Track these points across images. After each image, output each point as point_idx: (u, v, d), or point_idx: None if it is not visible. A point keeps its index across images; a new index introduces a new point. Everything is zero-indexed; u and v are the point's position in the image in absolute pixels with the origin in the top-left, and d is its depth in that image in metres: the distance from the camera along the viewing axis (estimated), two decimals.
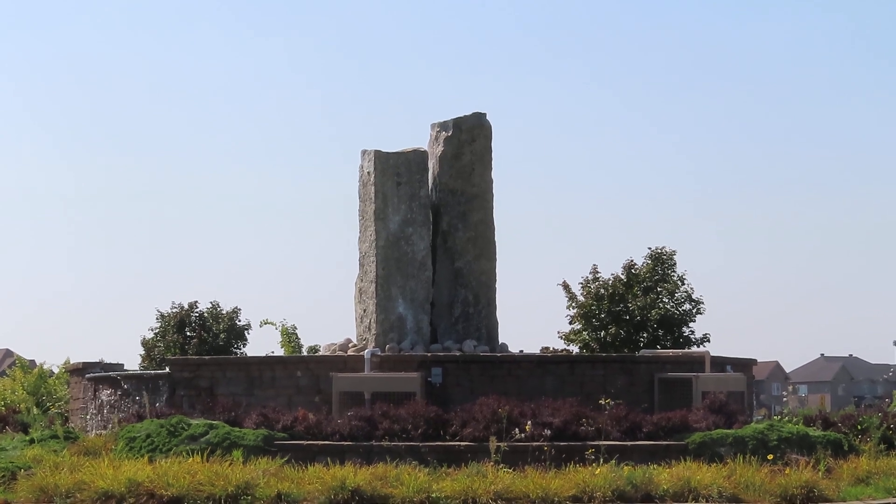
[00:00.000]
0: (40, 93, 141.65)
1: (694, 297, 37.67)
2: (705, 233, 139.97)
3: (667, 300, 37.32)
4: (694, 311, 37.67)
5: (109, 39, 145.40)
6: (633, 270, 37.39)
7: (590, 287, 38.04)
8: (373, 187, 23.04)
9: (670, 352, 27.48)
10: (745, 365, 24.04)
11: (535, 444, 17.76)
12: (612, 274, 38.13)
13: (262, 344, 53.85)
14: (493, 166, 24.04)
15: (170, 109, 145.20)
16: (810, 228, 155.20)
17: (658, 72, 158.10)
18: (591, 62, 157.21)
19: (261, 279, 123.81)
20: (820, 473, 16.73)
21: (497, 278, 24.24)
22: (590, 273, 38.52)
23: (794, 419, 20.87)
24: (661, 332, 35.88)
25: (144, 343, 46.11)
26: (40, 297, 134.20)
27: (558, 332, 38.28)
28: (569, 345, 35.84)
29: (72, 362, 27.76)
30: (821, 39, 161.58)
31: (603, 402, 19.14)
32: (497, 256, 24.22)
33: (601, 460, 16.84)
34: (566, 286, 38.65)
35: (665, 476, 16.22)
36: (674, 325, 36.29)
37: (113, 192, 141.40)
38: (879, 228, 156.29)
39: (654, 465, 16.75)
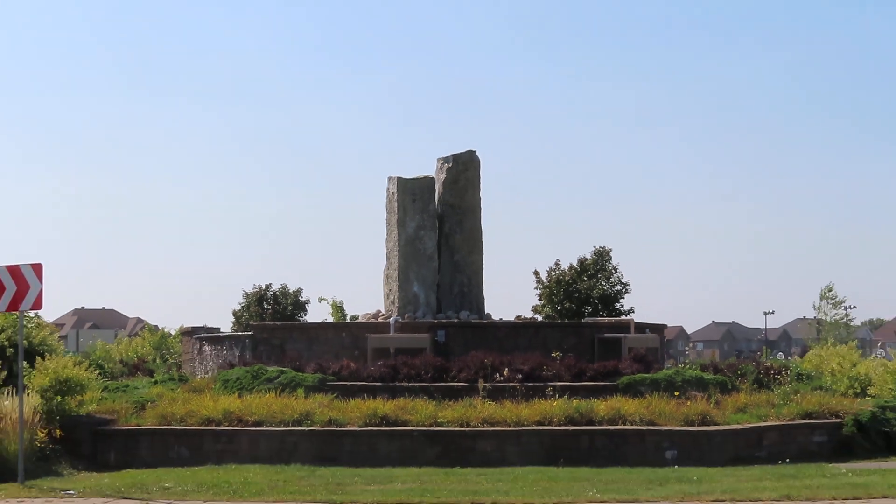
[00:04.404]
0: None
1: (623, 281, 39.99)
2: (633, 235, 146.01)
3: (604, 283, 39.67)
4: (623, 291, 39.75)
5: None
6: (583, 264, 40.64)
7: (552, 274, 40.21)
8: (396, 203, 24.08)
9: (606, 319, 28.50)
10: (658, 329, 24.80)
11: (510, 384, 18.42)
12: (569, 265, 41.17)
13: (317, 314, 56.27)
14: (480, 187, 25.04)
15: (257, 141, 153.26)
16: (703, 232, 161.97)
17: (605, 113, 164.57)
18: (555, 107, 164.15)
19: (317, 268, 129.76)
20: (711, 405, 17.73)
21: (484, 267, 25.19)
22: (553, 265, 40.63)
23: (693, 367, 21.72)
24: (600, 306, 37.57)
25: (235, 313, 47.90)
26: (163, 279, 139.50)
27: (531, 307, 40.78)
28: (536, 315, 37.84)
29: (184, 326, 28.48)
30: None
31: (557, 355, 19.91)
32: (484, 252, 25.15)
33: (557, 396, 17.52)
34: (536, 273, 40.68)
35: (602, 407, 16.95)
36: (609, 301, 38.43)
37: (214, 207, 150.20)
38: (754, 229, 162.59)
39: (595, 399, 17.35)
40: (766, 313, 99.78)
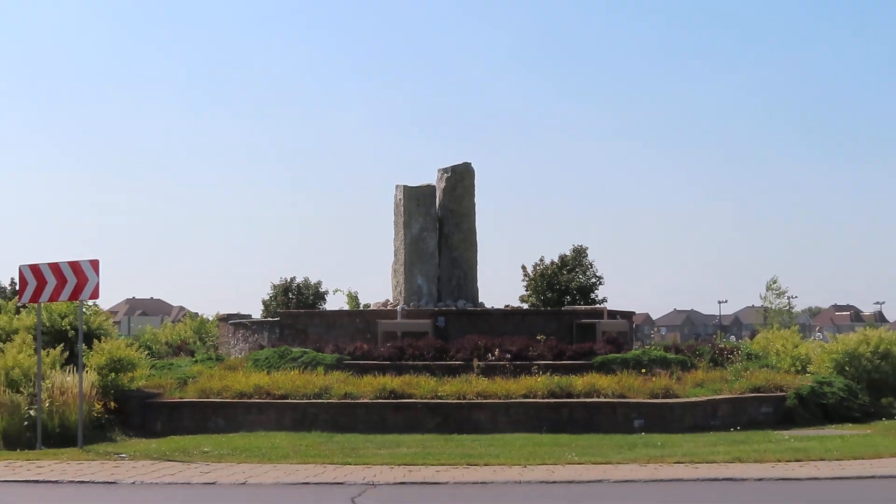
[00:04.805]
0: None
1: (598, 274, 39.97)
2: (607, 235, 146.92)
3: (582, 277, 39.68)
4: (598, 283, 39.63)
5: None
6: (563, 259, 40.73)
7: (537, 269, 40.15)
8: (402, 207, 24.00)
9: (583, 307, 28.08)
10: (627, 315, 24.51)
11: (500, 363, 18.40)
12: (551, 261, 41.22)
13: (335, 302, 56.33)
14: (475, 194, 24.84)
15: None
16: (667, 233, 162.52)
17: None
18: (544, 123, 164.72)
19: (335, 263, 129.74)
20: (673, 380, 17.74)
21: (478, 263, 24.96)
22: (538, 260, 40.58)
23: (658, 348, 21.47)
24: (578, 296, 37.47)
25: (264, 302, 47.60)
26: (203, 273, 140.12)
27: (519, 296, 40.87)
28: (523, 303, 37.69)
29: (220, 313, 28.22)
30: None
31: (541, 338, 19.88)
32: (478, 249, 24.93)
33: (541, 373, 17.62)
34: (523, 268, 40.52)
35: (579, 382, 17.01)
36: (586, 292, 38.28)
37: (247, 210, 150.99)
38: (710, 229, 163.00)
39: (573, 376, 17.38)
40: (720, 302, 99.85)
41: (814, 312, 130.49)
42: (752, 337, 36.07)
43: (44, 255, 47.15)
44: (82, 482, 11.40)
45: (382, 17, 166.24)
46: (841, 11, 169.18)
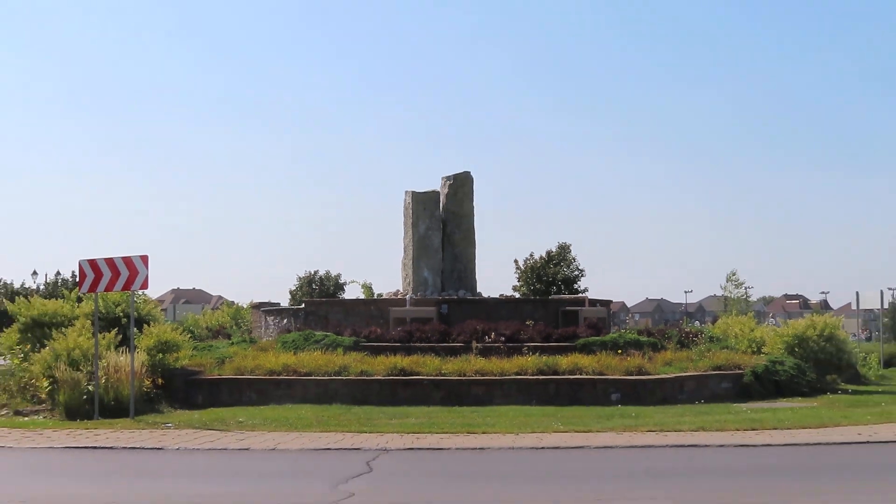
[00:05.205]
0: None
1: (580, 268, 39.60)
2: (588, 233, 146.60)
3: (566, 269, 39.41)
4: (580, 275, 39.11)
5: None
6: (550, 255, 40.60)
7: (527, 263, 39.82)
8: (411, 210, 23.86)
9: (567, 296, 28.15)
10: (605, 303, 24.44)
11: (496, 345, 18.48)
12: (540, 255, 41.04)
13: (353, 292, 56.39)
14: (474, 198, 24.68)
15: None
16: (641, 232, 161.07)
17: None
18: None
19: (352, 257, 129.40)
20: (646, 360, 17.63)
21: (476, 257, 24.78)
22: (528, 255, 40.33)
23: (632, 332, 21.55)
24: (563, 287, 37.14)
25: (291, 291, 47.20)
26: (238, 266, 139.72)
27: (511, 286, 41.50)
28: (515, 293, 36.98)
29: (253, 301, 28.36)
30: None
31: (530, 323, 19.88)
32: (476, 246, 24.76)
33: (531, 353, 17.60)
34: (515, 262, 39.79)
35: (564, 361, 16.96)
36: (570, 283, 37.64)
37: (277, 212, 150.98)
38: (679, 228, 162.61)
39: (559, 356, 17.35)
40: (686, 292, 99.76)
41: (767, 301, 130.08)
42: (713, 322, 35.84)
43: (101, 251, 47.30)
44: (133, 448, 11.41)
45: (396, 45, 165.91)
46: (791, 35, 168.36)
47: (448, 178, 24.72)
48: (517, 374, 16.57)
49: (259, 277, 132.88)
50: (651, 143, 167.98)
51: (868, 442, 11.62)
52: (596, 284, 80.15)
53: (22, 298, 19.40)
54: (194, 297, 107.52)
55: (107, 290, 15.56)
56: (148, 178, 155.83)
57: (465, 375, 16.47)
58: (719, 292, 50.94)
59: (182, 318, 36.00)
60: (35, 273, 53.83)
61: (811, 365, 18.76)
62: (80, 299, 19.94)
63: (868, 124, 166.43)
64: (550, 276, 38.69)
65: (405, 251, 24.59)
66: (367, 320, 21.18)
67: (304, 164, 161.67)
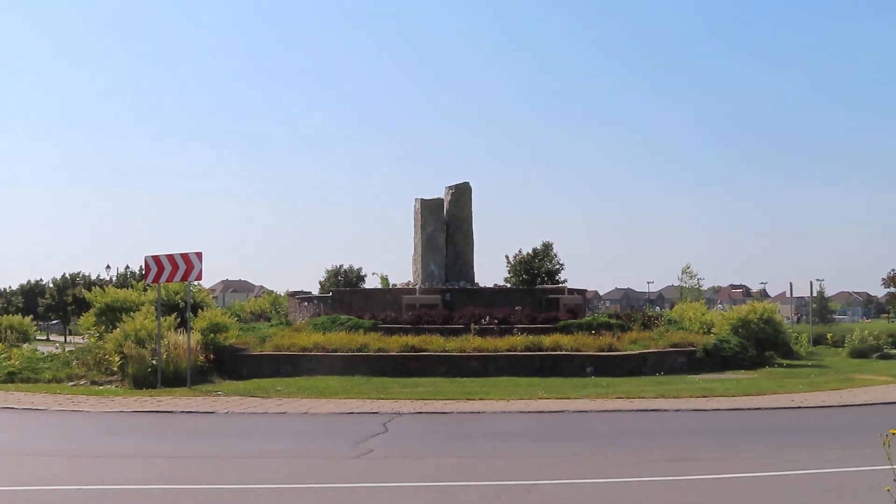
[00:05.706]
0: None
1: (560, 262, 39.57)
2: (567, 232, 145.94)
3: (549, 264, 39.50)
4: (560, 268, 39.21)
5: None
6: (535, 251, 40.53)
7: (517, 258, 40.23)
8: (419, 214, 23.66)
9: (550, 286, 27.74)
10: (582, 292, 24.00)
11: (490, 326, 18.27)
12: (527, 252, 41.04)
13: (372, 282, 56.15)
14: (472, 204, 24.39)
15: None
16: (611, 232, 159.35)
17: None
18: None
19: (371, 254, 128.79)
20: (615, 339, 17.50)
21: (474, 254, 24.51)
22: (517, 252, 40.59)
23: (604, 316, 21.31)
24: (546, 278, 37.71)
25: (320, 282, 46.82)
26: (277, 260, 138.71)
27: (503, 278, 41.48)
28: (506, 283, 37.09)
29: (289, 290, 28.34)
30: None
31: (519, 309, 19.83)
32: (474, 244, 24.46)
33: (519, 333, 17.44)
34: (507, 257, 40.05)
35: (547, 340, 16.83)
36: (552, 275, 37.72)
37: (312, 216, 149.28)
38: (643, 229, 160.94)
39: (543, 336, 17.16)
40: (648, 282, 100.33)
41: (716, 290, 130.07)
42: (671, 307, 35.96)
43: (163, 249, 47.46)
44: (189, 412, 11.41)
45: (412, 76, 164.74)
46: (755, 56, 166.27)
47: (451, 187, 24.54)
48: (508, 350, 16.45)
49: (294, 270, 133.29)
50: (628, 156, 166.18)
51: (799, 407, 11.63)
52: (574, 276, 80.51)
53: (97, 288, 19.45)
54: (240, 287, 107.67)
55: (168, 280, 15.55)
56: (203, 187, 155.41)
57: (465, 352, 16.36)
58: (676, 282, 50.92)
59: (230, 304, 35.82)
60: (108, 266, 54.18)
61: (752, 343, 18.66)
62: (145, 289, 19.95)
63: (809, 135, 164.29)
64: (536, 269, 38.71)
65: (415, 248, 24.43)
66: (384, 306, 21.03)
67: (332, 176, 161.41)
